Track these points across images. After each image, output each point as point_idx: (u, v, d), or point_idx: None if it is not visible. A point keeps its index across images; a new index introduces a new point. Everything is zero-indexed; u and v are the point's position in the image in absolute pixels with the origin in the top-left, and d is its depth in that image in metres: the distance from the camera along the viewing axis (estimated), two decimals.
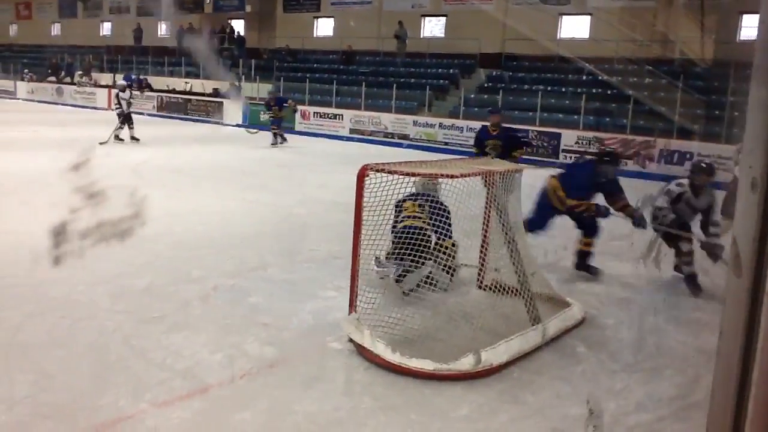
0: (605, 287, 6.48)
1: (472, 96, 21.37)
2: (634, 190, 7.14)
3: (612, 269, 6.89)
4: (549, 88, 19.92)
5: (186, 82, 28.87)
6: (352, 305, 4.68)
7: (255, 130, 20.87)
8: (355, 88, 22.94)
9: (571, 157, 16.85)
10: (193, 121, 25.60)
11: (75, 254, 5.06)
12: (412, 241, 5.29)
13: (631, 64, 18.69)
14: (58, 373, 4.02)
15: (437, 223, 5.55)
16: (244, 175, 12.87)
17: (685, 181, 6.51)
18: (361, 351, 4.45)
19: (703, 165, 6.61)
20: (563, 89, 19.89)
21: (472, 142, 11.98)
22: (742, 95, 1.08)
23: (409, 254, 5.28)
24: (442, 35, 25.79)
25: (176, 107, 27.29)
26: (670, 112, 16.40)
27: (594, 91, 18.96)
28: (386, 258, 5.64)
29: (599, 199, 6.75)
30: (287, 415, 3.69)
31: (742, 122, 1.02)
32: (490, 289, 5.38)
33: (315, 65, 26.90)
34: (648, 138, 16.13)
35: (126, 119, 16.70)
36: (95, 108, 28.88)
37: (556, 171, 7.11)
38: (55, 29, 41.42)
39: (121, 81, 19.67)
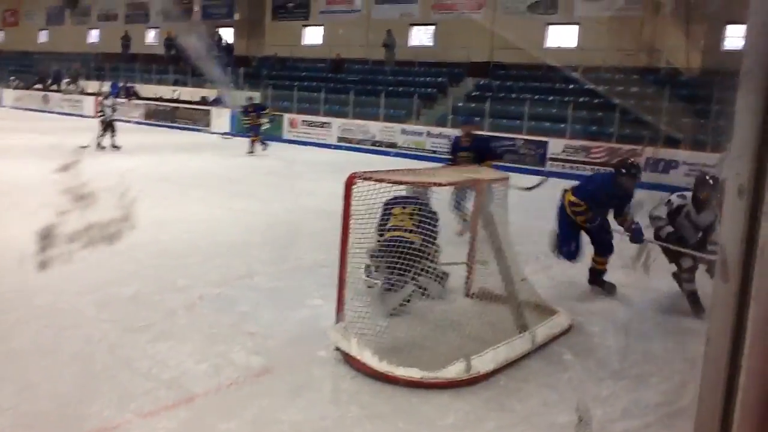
0: (592, 295, 6.50)
1: (461, 104, 21.44)
2: None
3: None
4: (536, 97, 20.00)
5: (174, 90, 28.77)
6: (339, 314, 4.67)
7: (229, 136, 20.70)
8: (344, 97, 22.95)
9: (562, 165, 17.05)
10: (181, 129, 25.52)
11: (60, 261, 5.02)
12: (400, 254, 5.25)
13: (618, 73, 18.83)
14: (43, 382, 3.97)
15: (424, 230, 5.54)
16: (231, 183, 12.84)
17: (688, 194, 6.15)
18: (348, 359, 4.43)
19: (707, 178, 6.13)
20: (551, 98, 19.98)
21: None
22: (728, 104, 1.08)
23: (398, 267, 5.25)
24: (431, 44, 25.89)
25: (164, 115, 27.18)
26: (657, 121, 16.51)
27: (581, 99, 19.07)
28: (375, 269, 5.63)
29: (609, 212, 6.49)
30: (274, 424, 3.67)
31: (728, 130, 1.02)
32: (477, 297, 5.38)
33: (303, 73, 26.90)
34: (635, 146, 16.23)
35: (108, 126, 16.61)
36: (82, 116, 28.70)
37: (570, 185, 6.77)
38: (43, 36, 41.26)
39: (105, 88, 19.58)
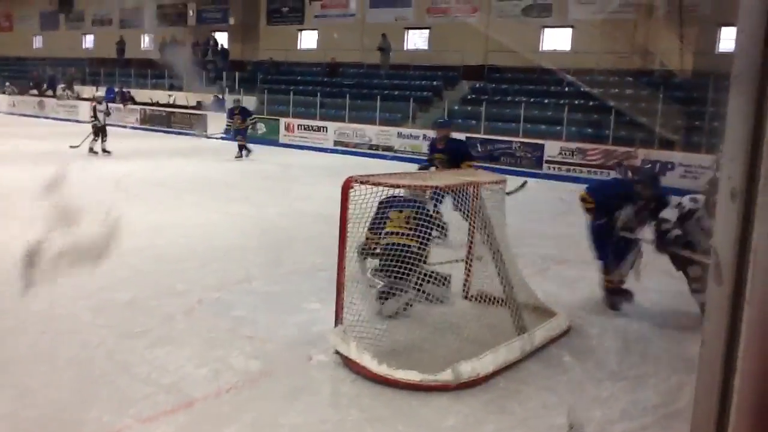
0: (590, 296, 6.50)
1: (456, 107, 21.48)
2: None
3: (596, 278, 6.89)
4: (532, 100, 20.05)
5: (169, 95, 28.75)
6: (338, 317, 4.68)
7: (208, 135, 20.50)
8: (339, 101, 22.97)
9: (558, 168, 17.15)
10: (176, 134, 25.48)
11: (55, 269, 5.03)
12: (398, 259, 5.24)
13: (612, 76, 18.87)
14: (41, 388, 3.97)
15: (421, 234, 5.55)
16: (227, 187, 12.83)
17: (701, 198, 5.78)
18: (348, 363, 4.44)
19: None
20: (546, 100, 20.05)
21: None
22: (722, 106, 1.10)
23: (397, 272, 5.23)
24: (426, 47, 25.91)
25: (159, 120, 27.14)
26: (651, 123, 16.55)
27: (576, 102, 19.11)
28: (374, 274, 5.63)
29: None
30: (273, 428, 3.68)
31: (722, 132, 1.03)
32: (476, 299, 5.39)
33: (299, 77, 26.88)
34: (629, 148, 16.27)
35: (99, 131, 16.60)
36: (78, 121, 28.58)
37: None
38: (37, 41, 41.12)
39: (98, 93, 19.54)
